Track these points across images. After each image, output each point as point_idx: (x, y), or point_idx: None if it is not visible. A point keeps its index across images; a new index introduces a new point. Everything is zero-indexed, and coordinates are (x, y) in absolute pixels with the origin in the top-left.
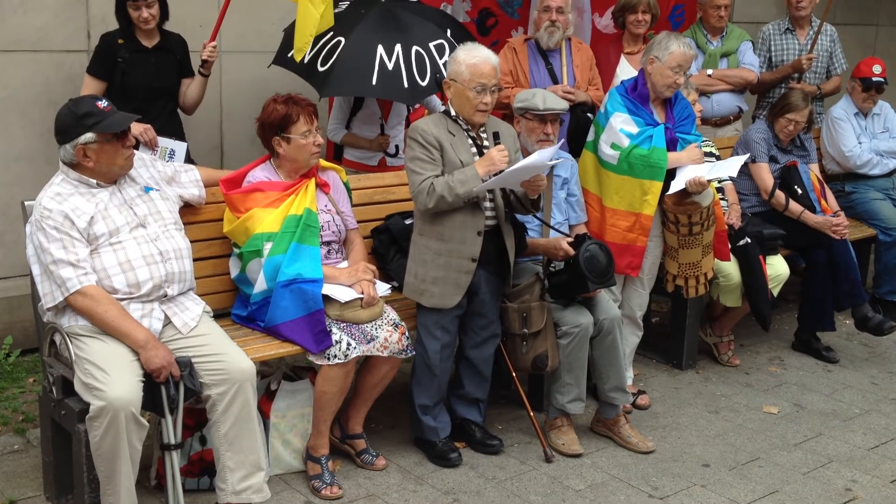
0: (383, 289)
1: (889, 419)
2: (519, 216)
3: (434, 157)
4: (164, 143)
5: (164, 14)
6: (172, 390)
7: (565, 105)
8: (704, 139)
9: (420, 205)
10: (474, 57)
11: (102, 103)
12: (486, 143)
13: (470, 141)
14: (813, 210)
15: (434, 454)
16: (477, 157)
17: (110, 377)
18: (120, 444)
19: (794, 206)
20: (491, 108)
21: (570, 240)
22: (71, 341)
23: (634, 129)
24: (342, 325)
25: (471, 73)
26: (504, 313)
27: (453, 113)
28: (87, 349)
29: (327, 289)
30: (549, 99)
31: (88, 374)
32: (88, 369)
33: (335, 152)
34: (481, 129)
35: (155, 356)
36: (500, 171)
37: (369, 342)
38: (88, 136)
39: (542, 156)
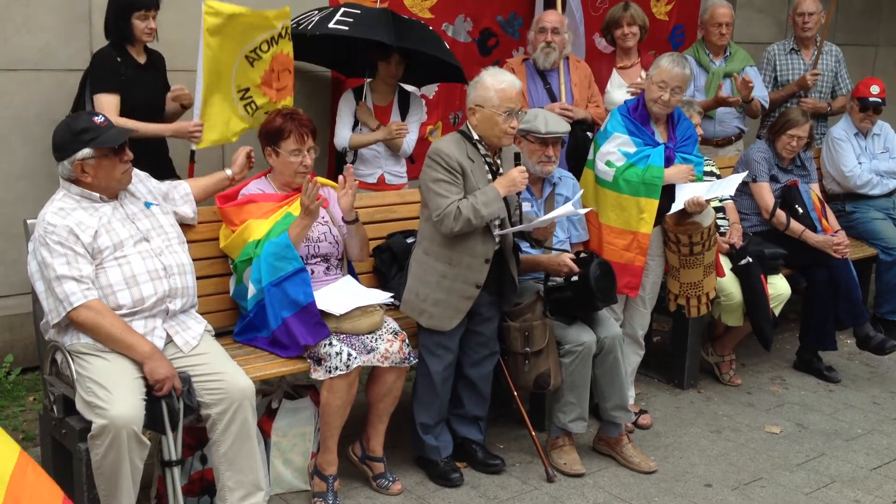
0: (385, 297)
1: (891, 439)
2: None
3: (457, 181)
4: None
5: None
6: (175, 404)
7: (567, 128)
8: (706, 159)
9: (445, 228)
10: (502, 82)
11: (99, 119)
12: (501, 170)
13: (486, 167)
14: (814, 229)
15: (435, 474)
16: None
17: (112, 395)
18: (121, 463)
19: (795, 226)
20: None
21: (571, 256)
22: (73, 359)
23: (632, 150)
24: (341, 336)
25: (500, 98)
26: (506, 332)
27: (475, 137)
28: (89, 367)
29: (322, 303)
30: (551, 121)
31: (90, 392)
32: (90, 387)
33: (338, 168)
34: (496, 156)
35: (160, 366)
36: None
37: (369, 353)
38: (86, 151)
39: (567, 209)
